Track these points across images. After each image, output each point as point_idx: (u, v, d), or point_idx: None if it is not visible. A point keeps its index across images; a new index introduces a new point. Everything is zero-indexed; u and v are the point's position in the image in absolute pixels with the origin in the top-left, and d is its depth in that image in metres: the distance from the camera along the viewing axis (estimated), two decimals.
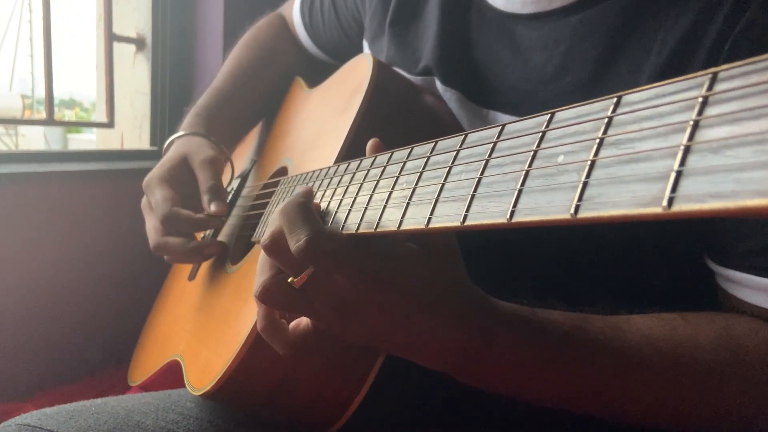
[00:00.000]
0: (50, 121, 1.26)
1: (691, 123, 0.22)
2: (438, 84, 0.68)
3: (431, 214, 0.35)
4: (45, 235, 1.13)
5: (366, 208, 0.43)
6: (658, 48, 0.52)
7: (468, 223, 0.32)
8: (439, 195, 0.35)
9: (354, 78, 0.67)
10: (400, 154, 0.43)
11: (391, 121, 0.64)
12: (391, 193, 0.41)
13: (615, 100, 0.26)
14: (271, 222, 0.45)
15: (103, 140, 1.51)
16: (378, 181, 0.44)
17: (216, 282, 0.77)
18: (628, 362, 0.46)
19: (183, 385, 0.72)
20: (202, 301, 0.78)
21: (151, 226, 0.75)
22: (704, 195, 0.20)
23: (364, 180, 0.46)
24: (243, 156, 0.97)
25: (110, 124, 1.35)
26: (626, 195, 0.23)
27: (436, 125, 0.66)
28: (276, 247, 0.44)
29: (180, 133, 0.83)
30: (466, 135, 0.36)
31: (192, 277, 0.86)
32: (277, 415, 0.61)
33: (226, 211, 0.73)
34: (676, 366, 0.46)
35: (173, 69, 1.38)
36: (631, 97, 0.26)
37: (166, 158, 0.78)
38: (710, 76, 0.22)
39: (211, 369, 0.61)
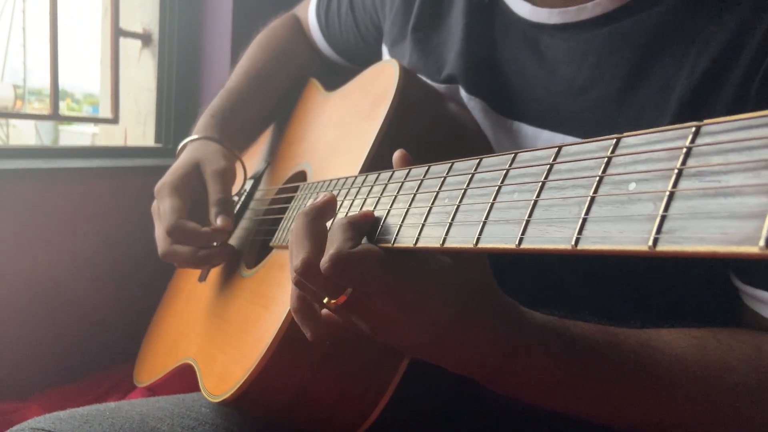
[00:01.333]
0: (55, 116, 1.24)
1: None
2: (462, 92, 0.67)
3: (480, 233, 0.35)
4: (48, 233, 1.11)
5: (402, 223, 0.42)
6: (692, 65, 0.52)
7: (524, 246, 0.31)
8: (488, 215, 0.35)
9: (379, 84, 0.67)
10: (439, 168, 0.42)
11: (417, 130, 0.63)
12: (431, 208, 0.40)
13: (694, 129, 0.25)
14: (297, 240, 0.44)
15: (107, 136, 1.49)
16: (415, 194, 0.43)
17: (230, 286, 0.76)
18: (658, 381, 0.46)
19: (191, 388, 0.71)
20: (215, 304, 0.77)
21: (160, 233, 0.74)
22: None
23: (398, 192, 0.45)
24: (255, 156, 0.96)
25: (115, 120, 1.33)
26: (714, 231, 0.22)
27: (461, 135, 0.66)
28: (310, 270, 0.43)
29: (194, 136, 0.82)
30: (517, 154, 0.36)
31: (203, 278, 0.85)
32: (297, 424, 0.61)
33: (231, 226, 0.73)
34: (706, 387, 0.46)
35: (180, 65, 1.36)
36: (711, 127, 0.25)
37: (179, 163, 0.77)
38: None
39: (229, 376, 0.60)
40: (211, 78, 1.37)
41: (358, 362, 0.57)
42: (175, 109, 1.37)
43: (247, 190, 0.87)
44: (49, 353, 1.12)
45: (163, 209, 0.73)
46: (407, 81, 0.64)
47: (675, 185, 0.25)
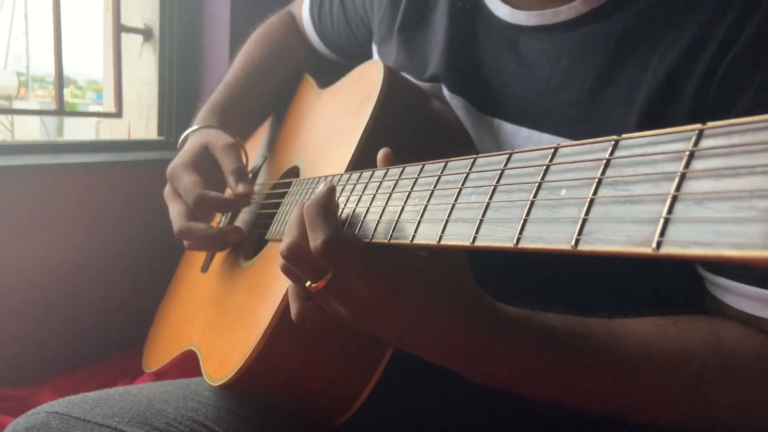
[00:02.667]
0: (60, 111, 1.28)
1: (679, 174, 0.25)
2: (445, 91, 0.70)
3: (442, 232, 0.38)
4: (56, 225, 1.16)
5: (379, 220, 0.46)
6: (656, 66, 0.55)
7: (477, 244, 0.35)
8: (450, 215, 0.38)
9: (365, 84, 0.70)
10: (412, 169, 0.46)
11: (402, 127, 0.67)
12: (403, 207, 0.44)
13: (613, 142, 0.29)
14: (288, 228, 0.48)
15: (111, 129, 1.53)
16: (391, 194, 0.47)
17: (230, 276, 0.80)
18: (623, 367, 0.50)
19: (196, 373, 0.76)
20: (216, 293, 0.82)
21: (176, 211, 0.77)
22: (688, 242, 0.23)
23: (377, 191, 0.49)
24: (254, 150, 1.00)
25: (118, 114, 1.37)
26: (621, 234, 0.26)
27: (444, 131, 0.69)
28: (295, 255, 0.47)
29: (195, 126, 0.85)
30: (476, 159, 0.39)
31: (205, 269, 0.89)
32: (290, 404, 0.65)
33: (253, 190, 0.76)
34: (668, 371, 0.50)
35: (180, 59, 1.40)
36: (627, 141, 0.29)
37: (186, 148, 0.80)
38: (697, 131, 0.25)
39: (228, 361, 0.64)
40: (211, 71, 1.40)
41: (344, 351, 0.61)
42: (177, 102, 1.40)
43: None
44: (59, 341, 1.17)
45: (183, 186, 0.75)
46: (392, 80, 0.68)
47: (595, 192, 0.29)
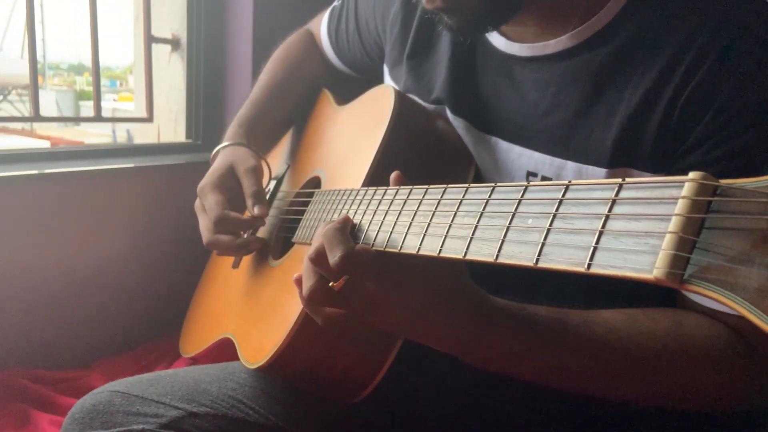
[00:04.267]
0: (98, 117, 1.39)
1: (605, 216, 0.35)
2: (448, 112, 0.80)
3: (441, 246, 0.48)
4: (98, 225, 1.27)
5: (391, 232, 0.56)
6: (629, 96, 0.64)
7: (467, 257, 0.45)
8: (447, 232, 0.49)
9: (379, 106, 0.80)
10: (418, 191, 0.56)
11: (411, 144, 0.77)
12: (411, 223, 0.54)
13: (564, 186, 0.39)
14: (315, 239, 0.59)
15: (142, 132, 1.64)
16: (400, 211, 0.57)
17: (260, 273, 0.91)
18: (596, 349, 0.59)
19: (226, 358, 0.87)
20: (248, 288, 0.93)
21: (204, 225, 0.88)
22: (606, 265, 0.33)
23: (389, 207, 0.59)
24: (277, 157, 1.10)
25: (150, 119, 1.48)
26: (566, 256, 0.36)
27: (447, 148, 0.79)
28: (319, 260, 0.57)
29: (225, 143, 0.96)
30: (468, 188, 0.49)
31: (236, 265, 1.00)
32: (315, 385, 0.76)
33: (267, 213, 0.87)
34: (635, 352, 0.59)
35: (206, 67, 1.50)
36: (575, 186, 0.39)
37: (215, 167, 0.91)
38: (618, 185, 0.35)
39: (263, 348, 0.75)
40: (235, 78, 1.50)
41: (360, 342, 0.71)
42: (204, 106, 1.51)
43: (271, 189, 1.01)
44: (102, 328, 1.29)
45: (208, 204, 0.86)
46: (402, 104, 0.78)
47: (551, 224, 0.39)
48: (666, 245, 0.30)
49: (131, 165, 1.33)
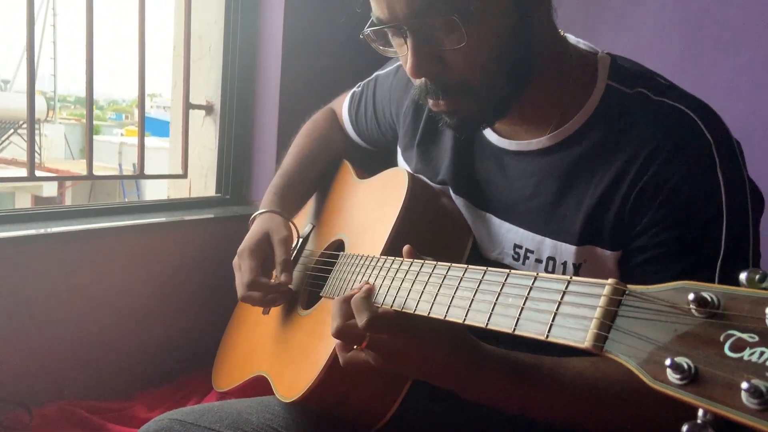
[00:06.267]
0: (141, 175, 1.57)
1: (558, 302, 0.52)
2: (451, 192, 0.98)
3: (446, 312, 0.65)
4: (134, 273, 1.44)
5: (407, 297, 0.73)
6: (593, 190, 0.82)
7: (466, 323, 0.62)
8: (451, 302, 0.65)
9: (395, 186, 0.97)
10: (428, 267, 0.73)
11: (422, 218, 0.94)
12: (423, 290, 0.71)
13: (534, 277, 0.56)
14: (337, 311, 0.75)
15: (176, 187, 1.82)
16: (414, 281, 0.73)
17: (290, 320, 1.07)
18: (565, 388, 0.75)
19: (255, 394, 1.02)
20: (279, 333, 1.09)
21: (240, 282, 1.05)
22: (559, 336, 0.50)
23: (405, 276, 0.76)
24: (303, 217, 1.28)
25: (184, 175, 1.66)
26: (533, 327, 0.53)
27: (450, 221, 0.96)
28: (345, 333, 0.74)
29: (262, 210, 1.13)
30: (467, 268, 0.66)
31: (266, 312, 1.16)
32: (339, 416, 0.92)
33: (291, 281, 1.03)
34: (597, 392, 0.75)
35: (237, 130, 1.69)
36: (541, 278, 0.55)
37: (254, 231, 1.09)
38: (567, 281, 0.52)
39: (297, 385, 0.91)
40: (261, 140, 1.69)
41: (378, 381, 0.87)
42: (234, 165, 1.69)
43: (298, 246, 1.18)
44: (141, 363, 1.45)
45: (243, 268, 1.04)
46: (414, 184, 0.95)
47: (524, 304, 0.55)
48: (592, 326, 0.47)
49: (164, 219, 1.51)
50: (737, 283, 0.41)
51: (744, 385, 0.36)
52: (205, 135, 1.74)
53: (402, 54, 0.82)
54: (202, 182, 1.74)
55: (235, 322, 1.35)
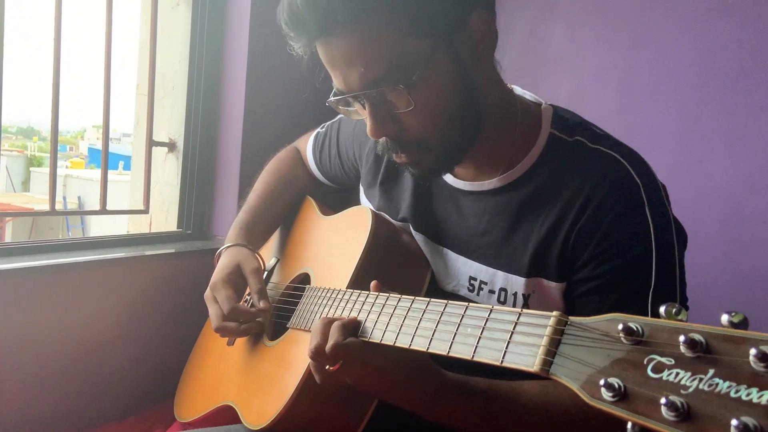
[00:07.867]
0: (103, 210, 1.60)
1: (511, 332, 0.59)
2: (411, 228, 1.05)
3: (411, 341, 0.72)
4: (100, 308, 1.46)
5: (373, 328, 0.79)
6: (539, 228, 0.90)
7: (429, 351, 0.69)
8: (415, 332, 0.72)
9: (359, 223, 1.04)
10: (393, 300, 0.79)
11: (385, 253, 1.01)
12: (389, 322, 0.77)
13: (490, 310, 0.63)
14: (314, 334, 0.81)
15: (135, 222, 1.84)
16: (380, 313, 0.80)
17: (256, 351, 1.12)
18: (517, 409, 0.82)
19: (216, 423, 1.06)
20: (246, 363, 1.13)
21: (215, 313, 1.09)
22: (512, 362, 0.57)
23: (371, 308, 0.82)
24: (266, 250, 1.33)
25: (146, 211, 1.69)
26: (490, 354, 0.60)
27: (411, 256, 1.04)
28: (318, 354, 0.79)
29: (229, 243, 1.18)
30: (429, 301, 0.73)
31: (231, 343, 1.20)
32: None
33: (270, 307, 1.08)
34: (545, 413, 0.83)
35: (199, 166, 1.73)
36: (496, 310, 0.63)
37: (224, 264, 1.13)
38: (519, 313, 0.60)
39: (265, 413, 0.96)
40: (224, 176, 1.74)
41: (346, 403, 0.93)
42: (195, 201, 1.73)
43: (264, 278, 1.23)
44: (103, 397, 1.46)
45: (221, 298, 1.08)
46: (377, 222, 1.02)
47: (481, 333, 0.63)
48: (540, 353, 0.55)
49: (126, 254, 1.52)
50: (659, 314, 0.49)
51: (663, 400, 0.44)
52: (167, 171, 1.77)
53: (363, 116, 0.90)
54: (163, 217, 1.77)
55: (198, 353, 1.38)
